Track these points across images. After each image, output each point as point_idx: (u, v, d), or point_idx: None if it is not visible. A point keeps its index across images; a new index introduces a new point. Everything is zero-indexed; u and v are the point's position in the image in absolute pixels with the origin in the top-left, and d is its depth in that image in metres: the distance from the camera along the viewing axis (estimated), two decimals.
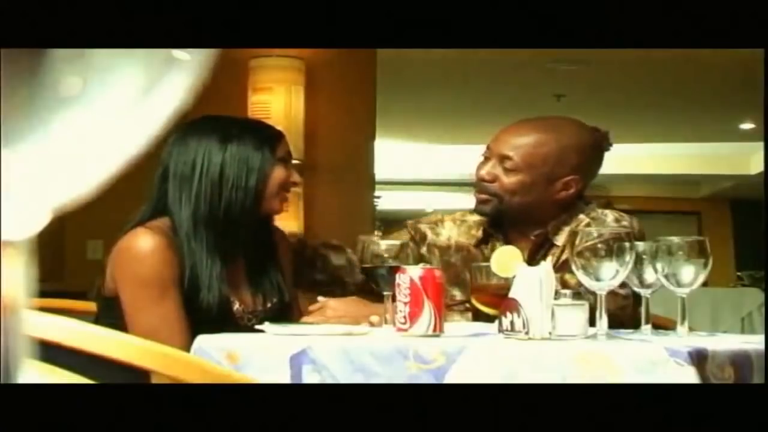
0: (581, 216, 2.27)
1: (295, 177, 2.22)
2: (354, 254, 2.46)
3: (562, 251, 2.22)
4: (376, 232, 2.54)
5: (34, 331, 0.43)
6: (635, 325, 1.99)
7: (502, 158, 2.27)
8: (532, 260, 2.11)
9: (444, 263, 2.32)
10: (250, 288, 2.18)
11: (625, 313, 2.08)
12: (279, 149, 2.17)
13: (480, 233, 2.36)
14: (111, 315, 2.04)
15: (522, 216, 2.27)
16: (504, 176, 2.27)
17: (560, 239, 2.25)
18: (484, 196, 2.30)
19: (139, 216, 2.14)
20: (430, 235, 2.42)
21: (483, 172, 2.30)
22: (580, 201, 2.31)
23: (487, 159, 2.32)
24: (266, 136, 2.18)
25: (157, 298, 2.01)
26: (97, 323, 2.09)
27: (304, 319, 2.15)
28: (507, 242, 2.31)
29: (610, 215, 2.27)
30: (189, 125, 2.17)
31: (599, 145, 2.36)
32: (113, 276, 2.06)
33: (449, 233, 2.41)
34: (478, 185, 2.32)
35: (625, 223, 2.24)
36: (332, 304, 2.15)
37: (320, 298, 2.18)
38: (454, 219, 2.43)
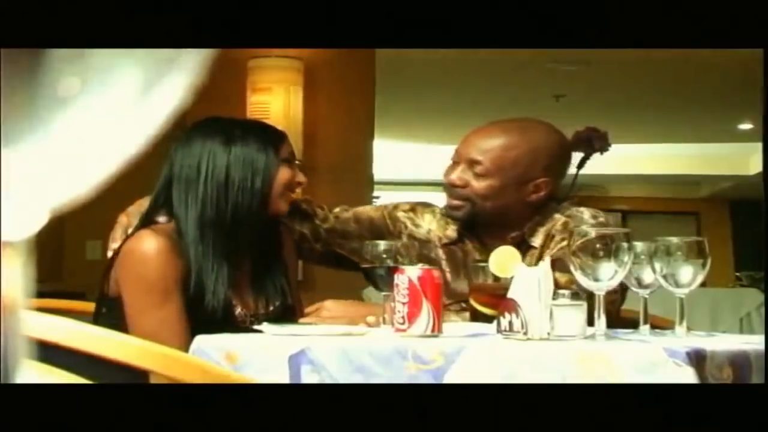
0: (557, 216, 2.27)
1: (300, 177, 2.21)
2: (323, 220, 2.43)
3: (540, 252, 2.22)
4: (343, 206, 2.49)
5: (33, 331, 0.43)
6: (623, 322, 1.99)
7: (472, 163, 2.25)
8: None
9: (424, 258, 2.31)
10: (253, 291, 2.18)
11: (615, 306, 2.08)
12: (283, 150, 2.17)
13: (454, 234, 2.34)
14: (113, 316, 2.04)
15: (496, 218, 2.26)
16: (474, 181, 2.25)
17: (537, 241, 2.24)
18: (456, 202, 2.28)
19: (143, 218, 2.14)
20: (409, 226, 2.40)
21: (453, 177, 2.28)
22: (552, 201, 2.31)
23: (455, 163, 2.30)
24: (270, 137, 2.18)
25: (159, 301, 2.00)
26: (96, 324, 2.09)
27: (301, 320, 2.14)
28: (481, 244, 2.30)
29: (586, 212, 2.27)
30: (192, 128, 2.16)
31: (567, 145, 2.35)
32: (116, 277, 2.06)
33: (429, 226, 2.39)
34: (449, 190, 2.30)
35: (601, 219, 2.25)
36: (328, 305, 2.15)
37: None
38: (433, 212, 2.41)
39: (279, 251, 2.26)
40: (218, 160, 2.10)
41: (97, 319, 2.10)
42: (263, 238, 2.19)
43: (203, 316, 2.02)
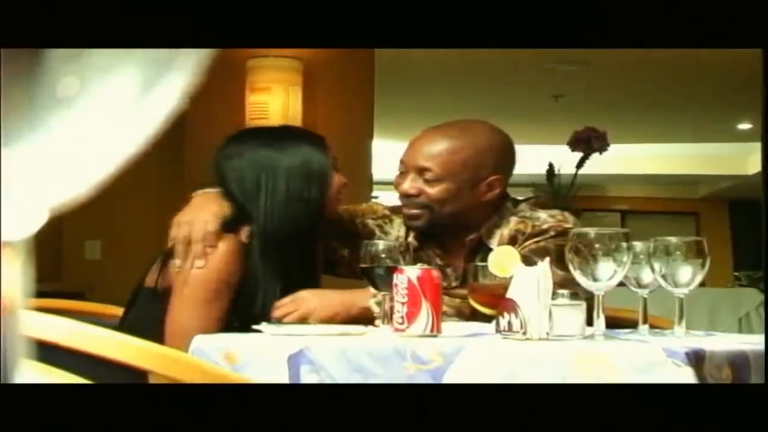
0: (513, 218, 2.27)
1: (343, 178, 2.25)
2: None
3: None
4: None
5: (32, 331, 0.43)
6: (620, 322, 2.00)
7: (421, 170, 2.25)
8: (469, 264, 2.11)
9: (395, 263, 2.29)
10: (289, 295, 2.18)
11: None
12: (330, 153, 2.21)
13: (415, 241, 2.33)
14: (149, 309, 2.05)
15: (455, 221, 2.26)
16: (428, 188, 2.24)
17: (494, 242, 2.24)
18: (415, 211, 2.27)
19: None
20: (377, 233, 2.39)
21: (406, 187, 2.27)
22: (508, 202, 2.31)
23: (404, 173, 2.29)
24: (317, 144, 2.21)
25: (208, 299, 2.02)
26: (128, 310, 2.11)
27: (276, 313, 2.11)
28: (442, 248, 2.31)
29: (543, 213, 2.28)
30: (237, 142, 2.19)
31: (510, 143, 2.36)
32: (173, 268, 2.07)
33: (397, 233, 2.39)
34: (404, 200, 2.29)
35: (559, 217, 2.26)
36: (304, 295, 2.13)
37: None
38: (401, 217, 2.41)
39: (317, 254, 2.26)
40: (275, 173, 2.12)
41: (131, 306, 2.13)
42: (310, 243, 2.21)
43: (249, 324, 2.01)
